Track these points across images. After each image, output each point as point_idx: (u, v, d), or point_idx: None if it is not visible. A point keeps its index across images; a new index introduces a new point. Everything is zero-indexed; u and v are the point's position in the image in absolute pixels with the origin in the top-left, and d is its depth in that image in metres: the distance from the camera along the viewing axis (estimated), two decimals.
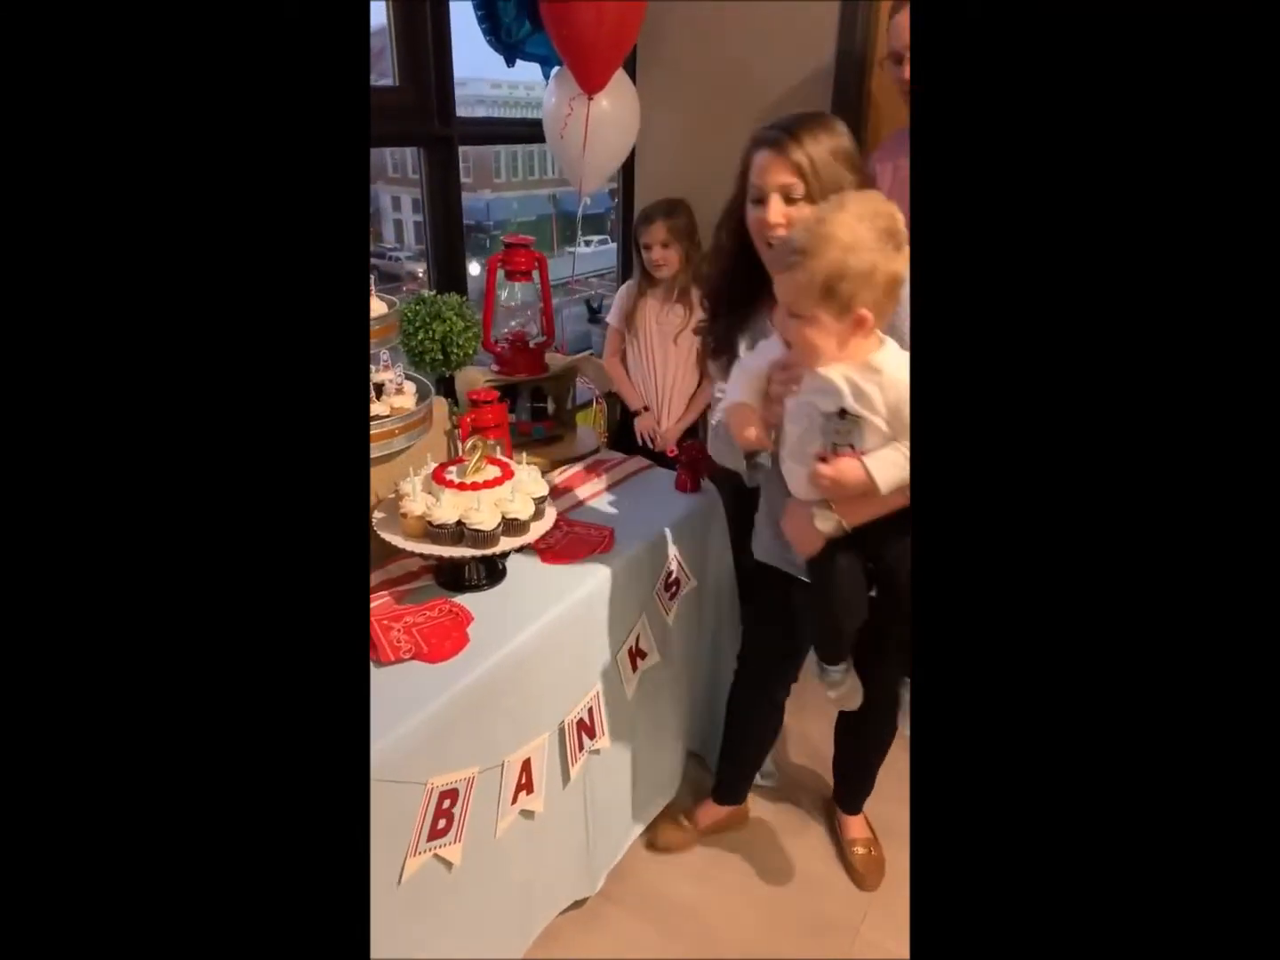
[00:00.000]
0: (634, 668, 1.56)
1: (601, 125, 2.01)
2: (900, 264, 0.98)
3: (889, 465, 1.03)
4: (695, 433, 2.17)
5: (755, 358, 1.16)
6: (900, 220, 0.99)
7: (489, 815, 1.26)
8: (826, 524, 1.12)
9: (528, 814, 1.34)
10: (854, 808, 1.74)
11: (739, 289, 1.27)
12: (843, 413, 1.03)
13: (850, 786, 1.73)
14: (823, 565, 1.18)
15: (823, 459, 1.06)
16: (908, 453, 1.01)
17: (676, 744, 1.80)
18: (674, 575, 1.64)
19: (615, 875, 1.64)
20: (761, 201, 1.16)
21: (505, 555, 1.34)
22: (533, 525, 1.33)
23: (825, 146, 1.13)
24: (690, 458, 1.71)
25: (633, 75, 2.12)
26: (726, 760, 1.75)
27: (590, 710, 1.44)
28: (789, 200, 1.14)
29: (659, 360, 2.13)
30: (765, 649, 1.59)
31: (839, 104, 1.95)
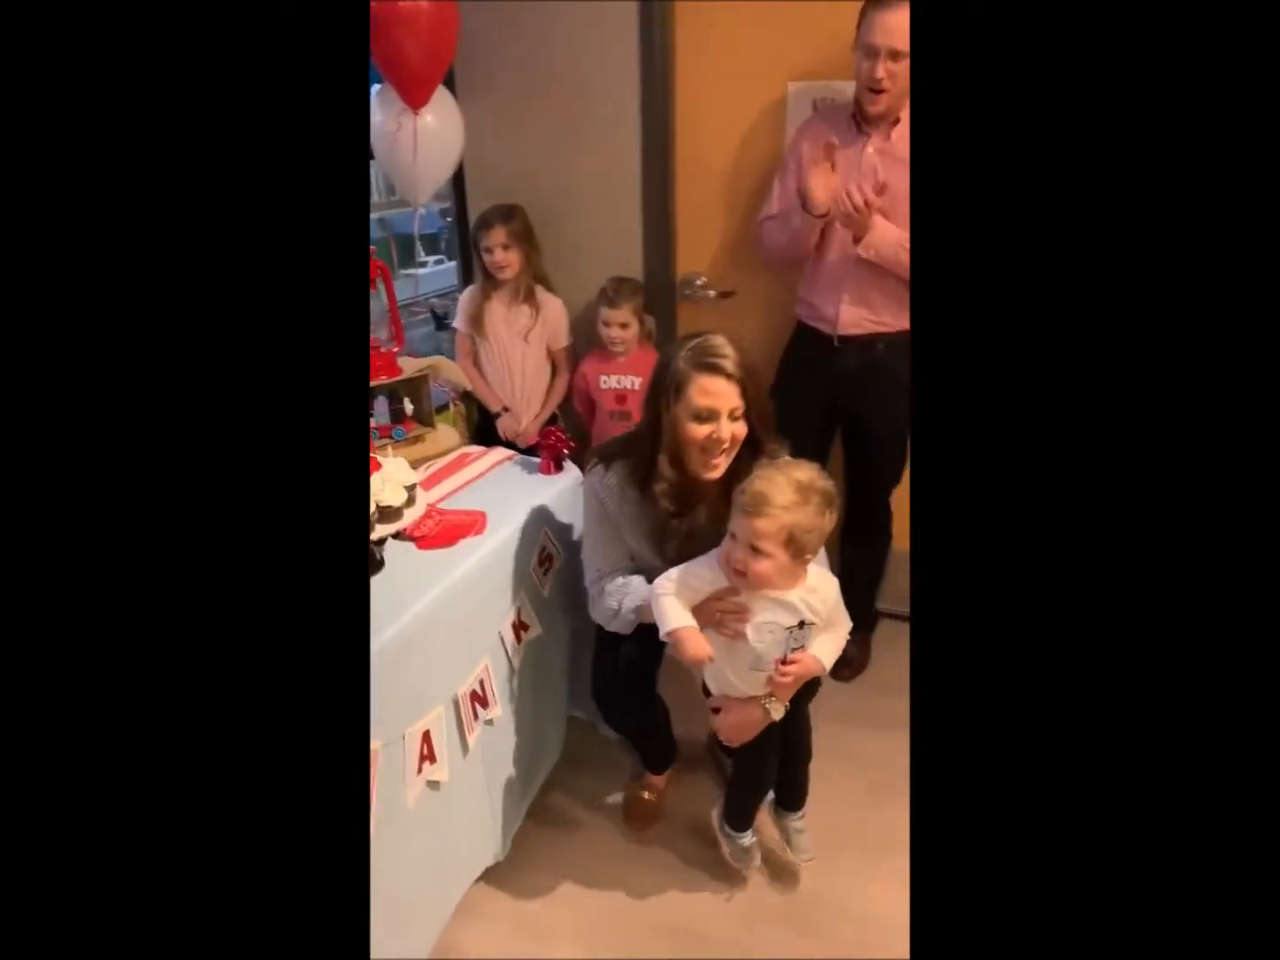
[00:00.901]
0: (518, 639, 1.66)
1: (429, 138, 2.10)
2: (833, 522, 1.32)
3: (831, 650, 1.40)
4: (555, 420, 2.29)
5: (690, 578, 1.37)
6: (830, 485, 1.31)
7: (398, 788, 1.33)
8: (779, 712, 1.41)
9: (434, 784, 1.41)
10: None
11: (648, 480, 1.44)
12: (801, 624, 1.34)
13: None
14: (757, 748, 1.48)
15: (785, 662, 1.35)
16: (841, 633, 1.42)
17: (560, 709, 1.91)
18: (546, 551, 1.75)
19: (517, 838, 1.73)
20: (709, 420, 1.36)
21: (382, 543, 1.41)
22: (406, 511, 1.41)
23: (746, 352, 1.38)
24: (551, 443, 1.83)
25: (452, 88, 2.21)
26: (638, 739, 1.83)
27: (481, 682, 1.53)
28: (734, 419, 1.37)
29: (512, 360, 2.23)
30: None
31: (646, 95, 2.12)
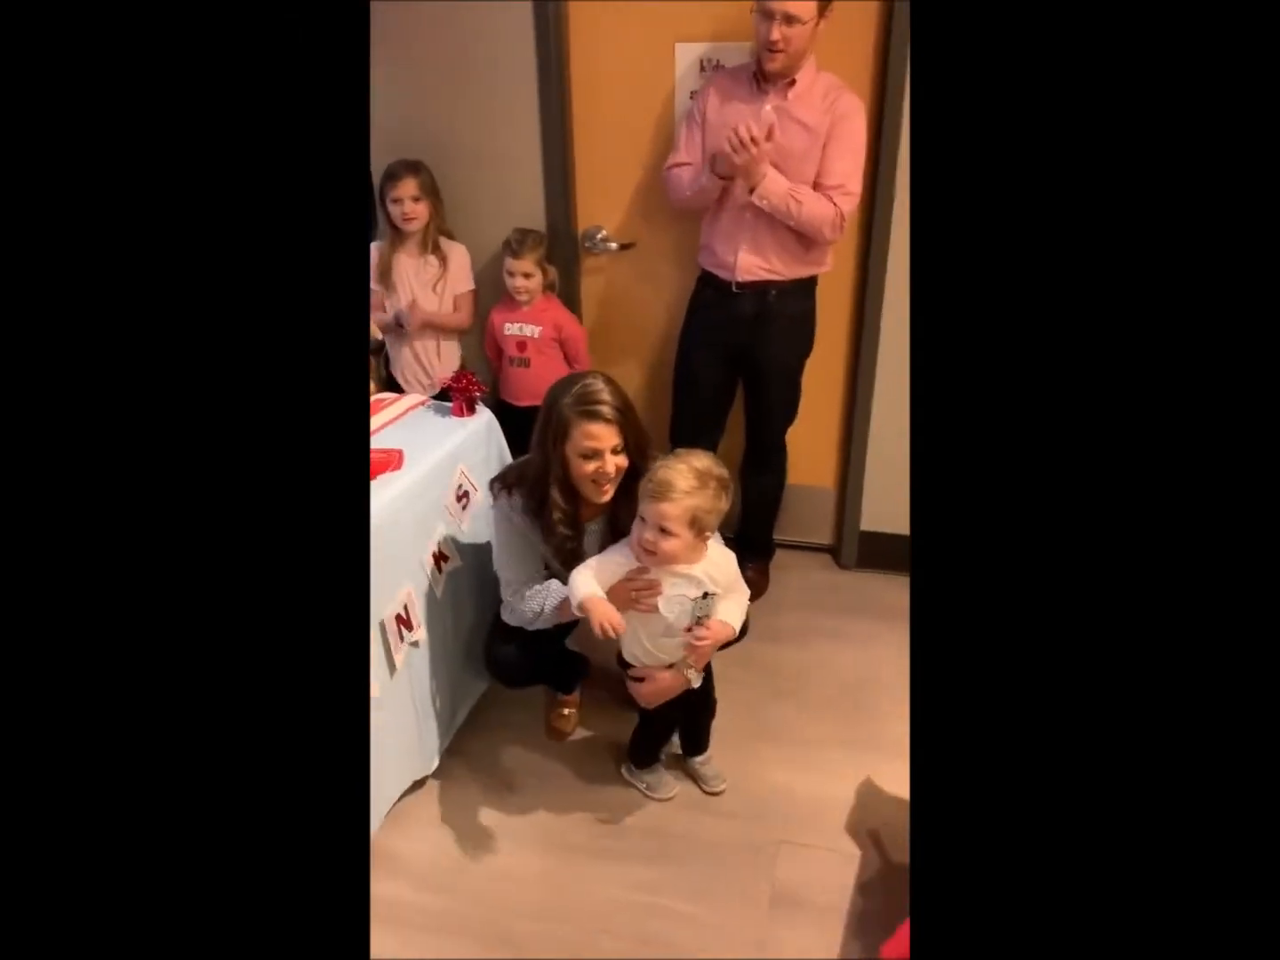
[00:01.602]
0: (439, 569, 1.76)
1: None
2: (729, 503, 1.50)
3: (737, 614, 1.56)
4: (464, 364, 2.37)
5: (605, 565, 1.53)
6: (724, 471, 1.49)
7: None
8: (697, 679, 1.59)
9: None
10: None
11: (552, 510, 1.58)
12: (705, 595, 1.50)
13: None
14: (666, 705, 1.64)
15: (695, 629, 1.52)
16: (741, 600, 1.57)
17: (481, 638, 2.02)
18: (463, 488, 1.86)
19: (448, 754, 1.85)
20: (594, 458, 1.52)
21: None
22: None
23: (621, 396, 1.55)
24: (463, 386, 1.92)
25: None
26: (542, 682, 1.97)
27: (405, 606, 1.63)
28: (615, 453, 1.54)
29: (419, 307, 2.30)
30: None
31: (542, 54, 2.20)
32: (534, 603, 1.64)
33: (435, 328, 2.32)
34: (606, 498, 1.58)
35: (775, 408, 2.25)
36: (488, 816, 1.75)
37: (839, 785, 1.79)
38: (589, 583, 1.50)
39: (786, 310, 2.09)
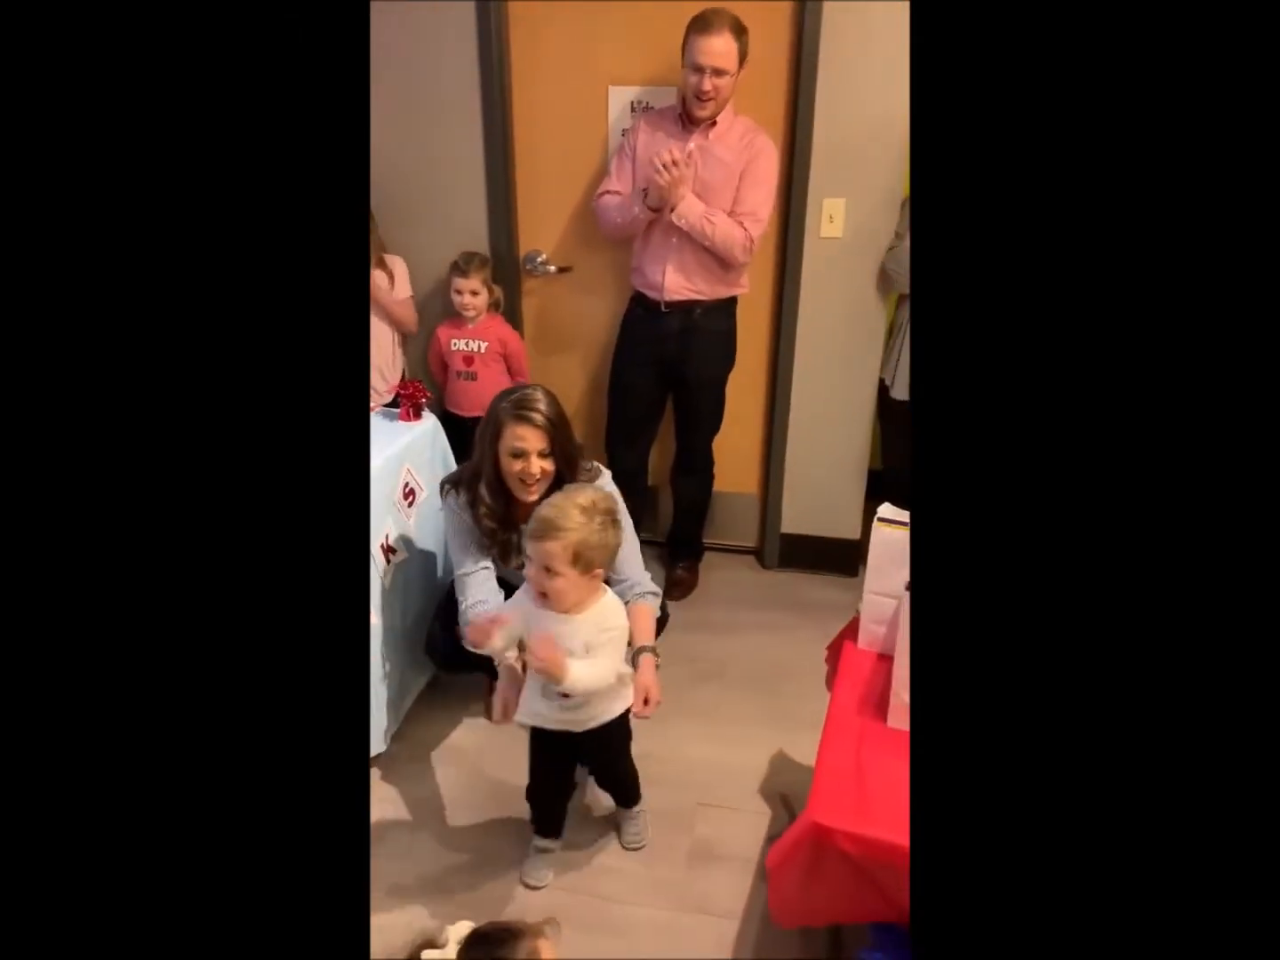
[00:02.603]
0: (387, 560, 1.90)
1: None
2: (618, 537, 1.47)
3: (589, 675, 1.41)
4: (405, 375, 2.52)
5: (512, 608, 1.53)
6: (613, 503, 1.47)
7: None
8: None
9: None
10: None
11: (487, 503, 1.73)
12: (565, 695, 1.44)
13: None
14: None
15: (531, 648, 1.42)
16: (607, 664, 1.44)
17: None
18: (409, 486, 2.01)
19: (397, 738, 1.98)
20: (521, 457, 1.65)
21: None
22: None
23: (555, 406, 1.67)
24: (410, 393, 2.08)
25: None
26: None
27: None
28: (542, 457, 1.65)
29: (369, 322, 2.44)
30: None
31: (485, 89, 2.38)
32: (464, 598, 1.75)
33: (390, 318, 2.45)
34: (532, 497, 1.68)
35: (702, 417, 2.46)
36: (428, 794, 1.88)
37: (754, 755, 1.97)
38: (480, 591, 1.65)
39: (710, 327, 2.30)
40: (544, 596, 1.42)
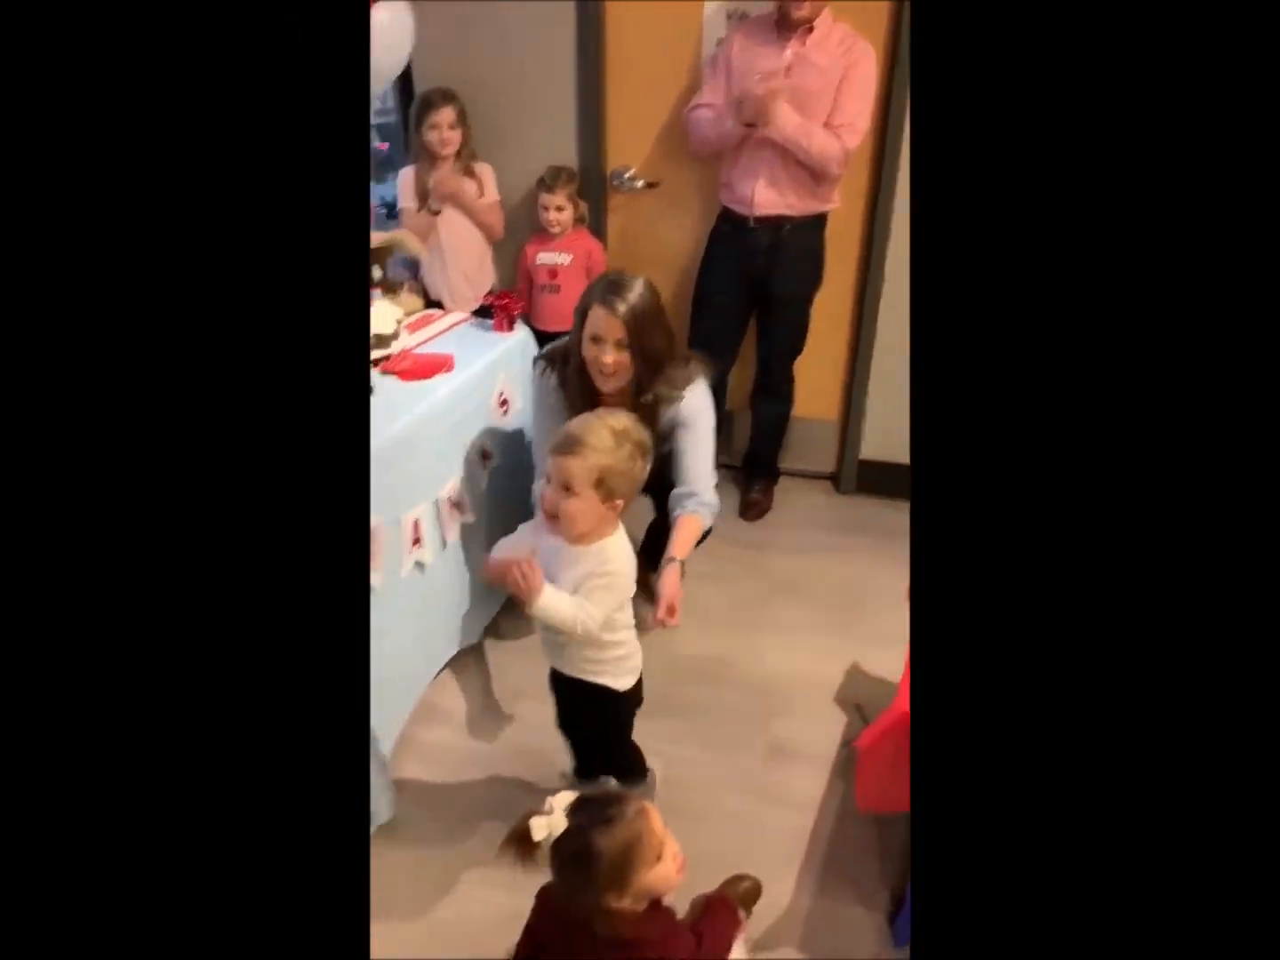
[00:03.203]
0: (483, 465, 1.98)
1: (381, 32, 2.29)
2: (645, 471, 1.35)
3: (559, 605, 1.30)
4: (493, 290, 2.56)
5: (519, 537, 1.46)
6: (647, 435, 1.35)
7: (394, 562, 1.65)
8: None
9: (420, 565, 1.74)
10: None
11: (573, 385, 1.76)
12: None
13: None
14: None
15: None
16: (586, 607, 1.31)
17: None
18: (504, 395, 2.07)
19: (491, 630, 2.08)
20: (597, 343, 1.65)
21: (376, 363, 1.69)
22: (394, 341, 1.70)
23: (645, 301, 1.64)
24: (504, 304, 2.12)
25: None
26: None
27: (456, 490, 1.85)
28: (619, 348, 1.64)
29: (457, 229, 2.48)
30: None
31: (579, 6, 2.36)
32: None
33: (478, 223, 2.48)
34: (609, 388, 1.70)
35: (785, 337, 2.45)
36: (524, 680, 1.99)
37: (828, 667, 2.02)
38: (503, 547, 1.45)
39: (799, 244, 2.27)
40: (554, 519, 1.32)
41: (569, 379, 1.76)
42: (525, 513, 2.21)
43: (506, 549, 1.43)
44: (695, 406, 1.78)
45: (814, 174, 2.17)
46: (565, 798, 1.11)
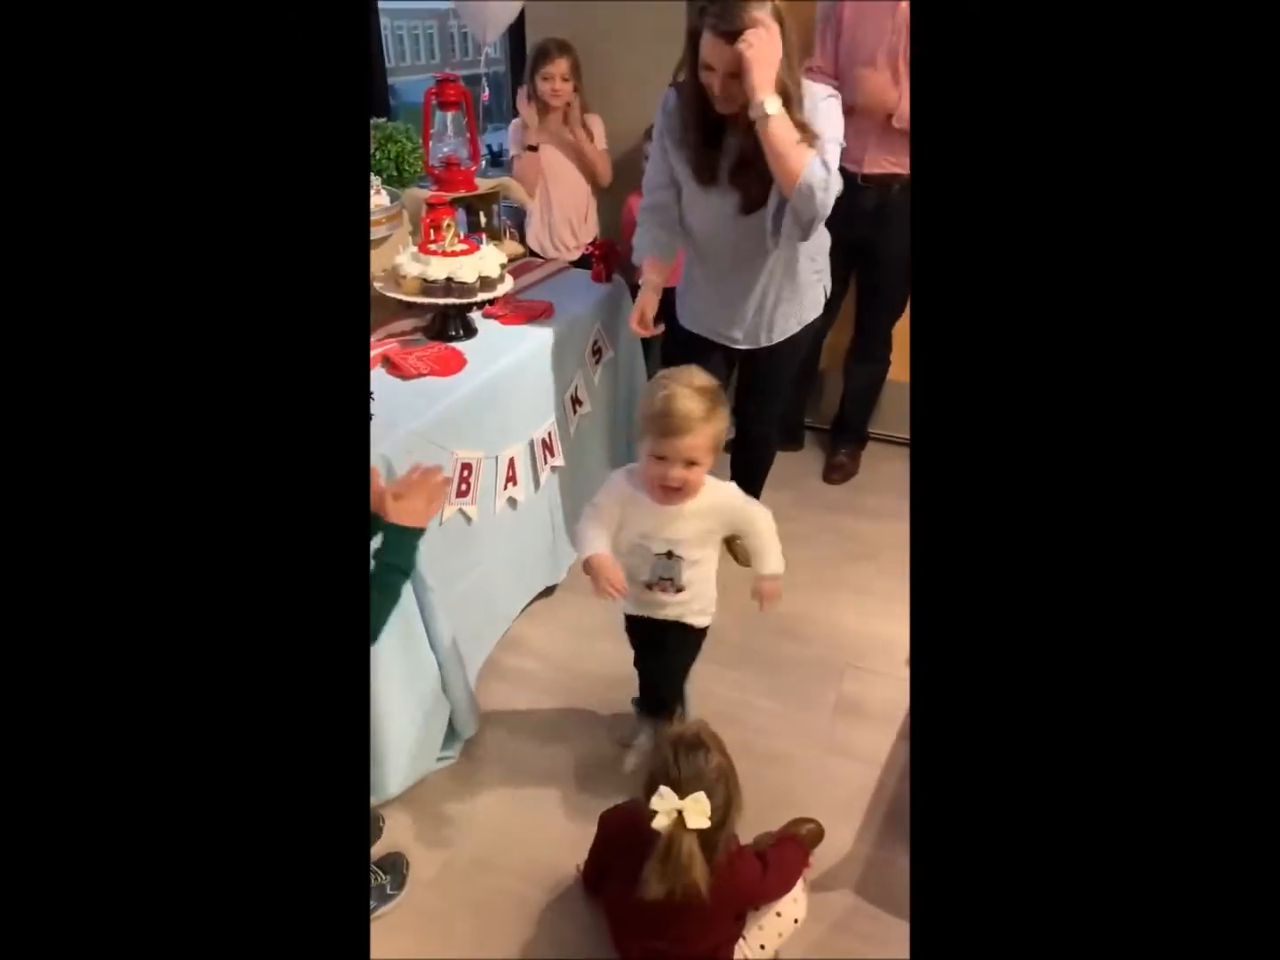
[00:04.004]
0: (574, 411, 2.04)
1: None
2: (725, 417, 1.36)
3: (775, 555, 1.47)
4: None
5: (607, 505, 1.46)
6: (713, 380, 1.36)
7: (490, 496, 1.74)
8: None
9: (513, 502, 1.82)
10: None
11: (693, 124, 1.68)
12: (669, 553, 1.44)
13: None
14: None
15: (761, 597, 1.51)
16: (771, 539, 1.45)
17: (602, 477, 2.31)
18: (598, 344, 2.12)
19: (573, 571, 2.17)
20: (710, 70, 1.55)
21: (481, 305, 1.77)
22: (499, 285, 1.76)
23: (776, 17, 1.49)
24: (603, 253, 2.16)
25: None
26: None
27: (549, 433, 1.92)
28: (732, 76, 1.52)
29: (564, 178, 2.52)
30: None
31: None
32: (642, 234, 1.83)
33: (587, 170, 2.51)
34: (726, 109, 1.60)
35: (886, 300, 2.41)
36: (602, 620, 2.07)
37: (903, 629, 2.01)
38: (597, 537, 1.43)
39: (907, 205, 2.23)
40: (674, 491, 1.36)
41: (687, 118, 1.69)
42: (614, 459, 2.29)
43: (603, 512, 1.47)
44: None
45: None
46: (644, 737, 1.17)
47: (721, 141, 1.69)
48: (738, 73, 1.51)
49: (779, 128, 1.52)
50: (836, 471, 2.62)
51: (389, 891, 1.44)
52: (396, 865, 1.47)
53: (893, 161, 2.17)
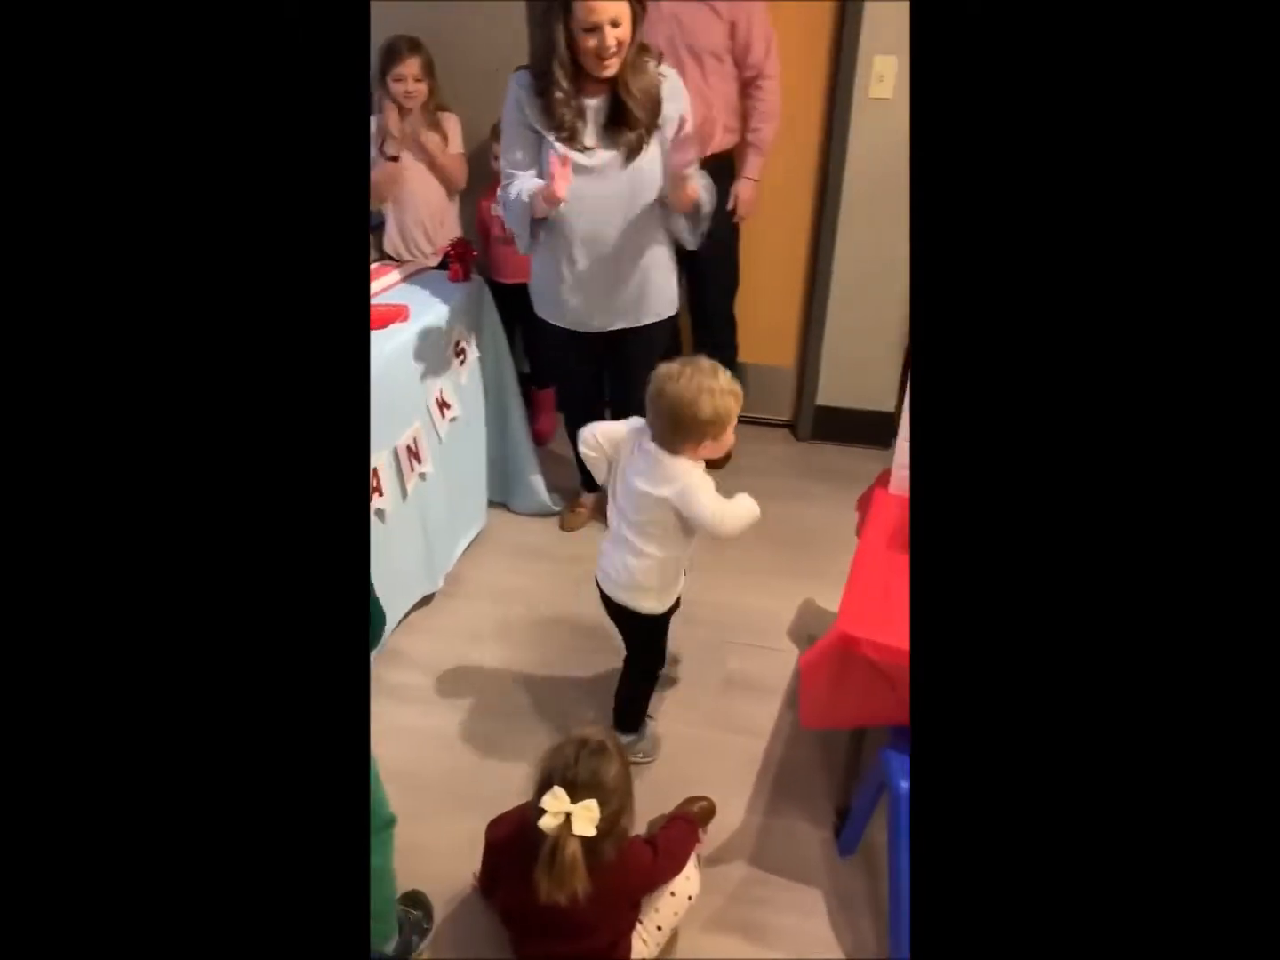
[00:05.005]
0: (442, 415, 2.00)
1: None
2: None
3: None
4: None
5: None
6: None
7: None
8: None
9: (380, 513, 1.77)
10: None
11: (568, 94, 1.71)
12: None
13: None
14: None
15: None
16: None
17: (480, 485, 2.28)
18: (460, 344, 2.08)
19: (450, 578, 2.13)
20: (595, 31, 1.58)
21: None
22: None
23: None
24: (460, 252, 2.12)
25: None
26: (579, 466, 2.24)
27: (415, 439, 1.87)
28: (615, 26, 1.58)
29: (420, 181, 2.46)
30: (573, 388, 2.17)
31: None
32: (514, 187, 1.80)
33: (441, 174, 2.44)
34: (610, 72, 1.65)
35: (720, 284, 2.45)
36: (482, 625, 2.05)
37: (783, 604, 2.10)
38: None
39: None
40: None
41: (554, 82, 1.70)
42: (492, 461, 2.26)
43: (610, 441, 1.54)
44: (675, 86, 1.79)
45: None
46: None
47: (587, 107, 1.74)
48: (619, 20, 1.58)
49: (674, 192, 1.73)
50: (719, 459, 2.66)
51: (425, 925, 1.42)
52: (420, 900, 1.45)
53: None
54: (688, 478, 1.45)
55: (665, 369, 1.43)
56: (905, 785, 1.26)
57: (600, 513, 2.40)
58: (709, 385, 1.39)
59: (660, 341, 2.05)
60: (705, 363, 1.43)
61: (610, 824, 1.14)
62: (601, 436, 1.54)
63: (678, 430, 1.42)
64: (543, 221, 1.83)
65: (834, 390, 2.75)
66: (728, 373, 1.43)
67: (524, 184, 1.79)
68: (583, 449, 1.55)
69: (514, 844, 1.21)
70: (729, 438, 1.46)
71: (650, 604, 1.54)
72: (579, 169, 1.76)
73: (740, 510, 1.48)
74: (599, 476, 1.58)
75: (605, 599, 1.59)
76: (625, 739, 1.64)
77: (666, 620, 1.61)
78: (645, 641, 1.64)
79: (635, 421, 1.54)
